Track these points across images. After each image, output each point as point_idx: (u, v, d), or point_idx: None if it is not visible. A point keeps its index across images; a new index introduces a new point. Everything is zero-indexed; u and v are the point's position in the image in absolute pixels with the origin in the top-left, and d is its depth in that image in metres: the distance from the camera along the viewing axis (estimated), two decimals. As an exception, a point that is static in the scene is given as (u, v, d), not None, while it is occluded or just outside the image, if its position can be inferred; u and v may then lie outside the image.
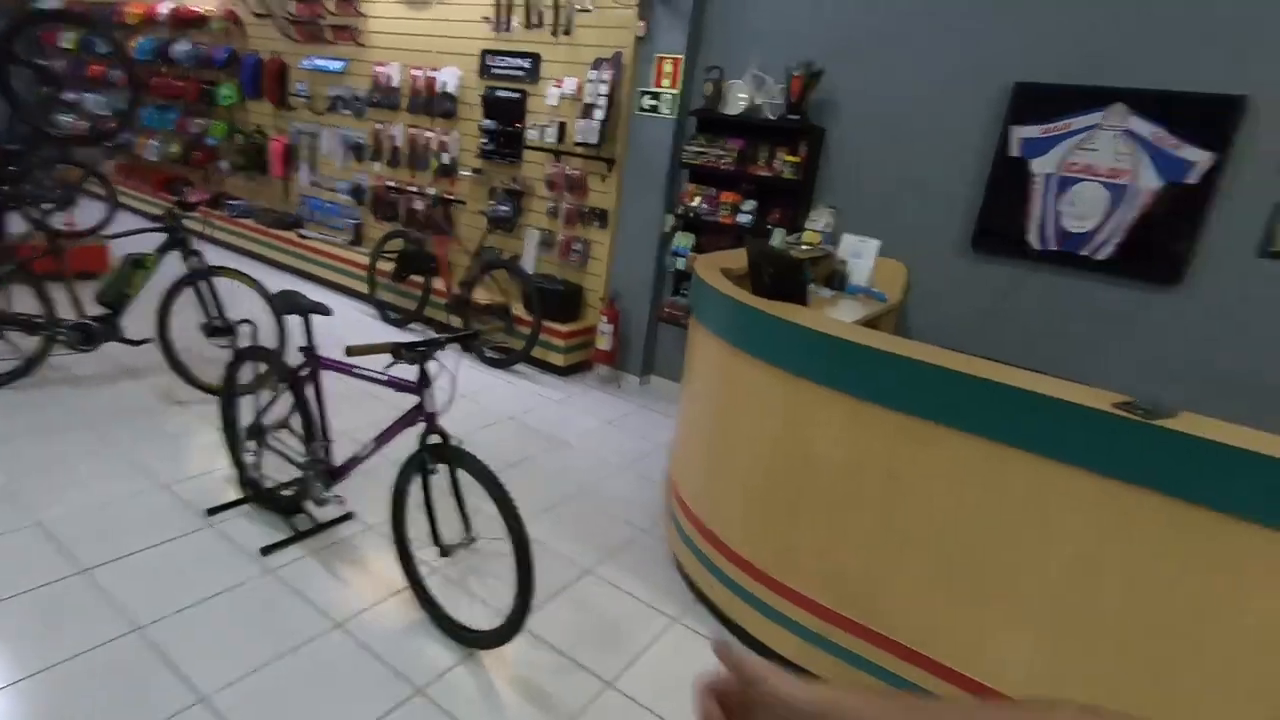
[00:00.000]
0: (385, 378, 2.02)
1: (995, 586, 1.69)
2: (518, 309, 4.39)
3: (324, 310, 2.19)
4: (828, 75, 3.42)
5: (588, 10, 4.02)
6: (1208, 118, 2.72)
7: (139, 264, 3.22)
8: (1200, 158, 2.75)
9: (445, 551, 2.05)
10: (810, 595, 1.99)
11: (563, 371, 4.38)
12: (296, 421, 2.38)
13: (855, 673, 1.92)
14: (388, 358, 1.90)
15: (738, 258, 2.91)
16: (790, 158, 3.52)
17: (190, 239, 3.28)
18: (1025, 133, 3.07)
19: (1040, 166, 3.06)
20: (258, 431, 2.44)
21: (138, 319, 3.32)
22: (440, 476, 2.00)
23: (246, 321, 2.44)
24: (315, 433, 2.29)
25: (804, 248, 3.42)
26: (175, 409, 3.23)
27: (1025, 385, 1.58)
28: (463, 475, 1.96)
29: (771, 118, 3.57)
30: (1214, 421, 1.48)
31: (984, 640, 1.73)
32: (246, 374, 2.50)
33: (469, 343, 1.96)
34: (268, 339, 3.45)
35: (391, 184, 5.26)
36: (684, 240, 3.96)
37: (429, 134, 4.96)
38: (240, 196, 6.45)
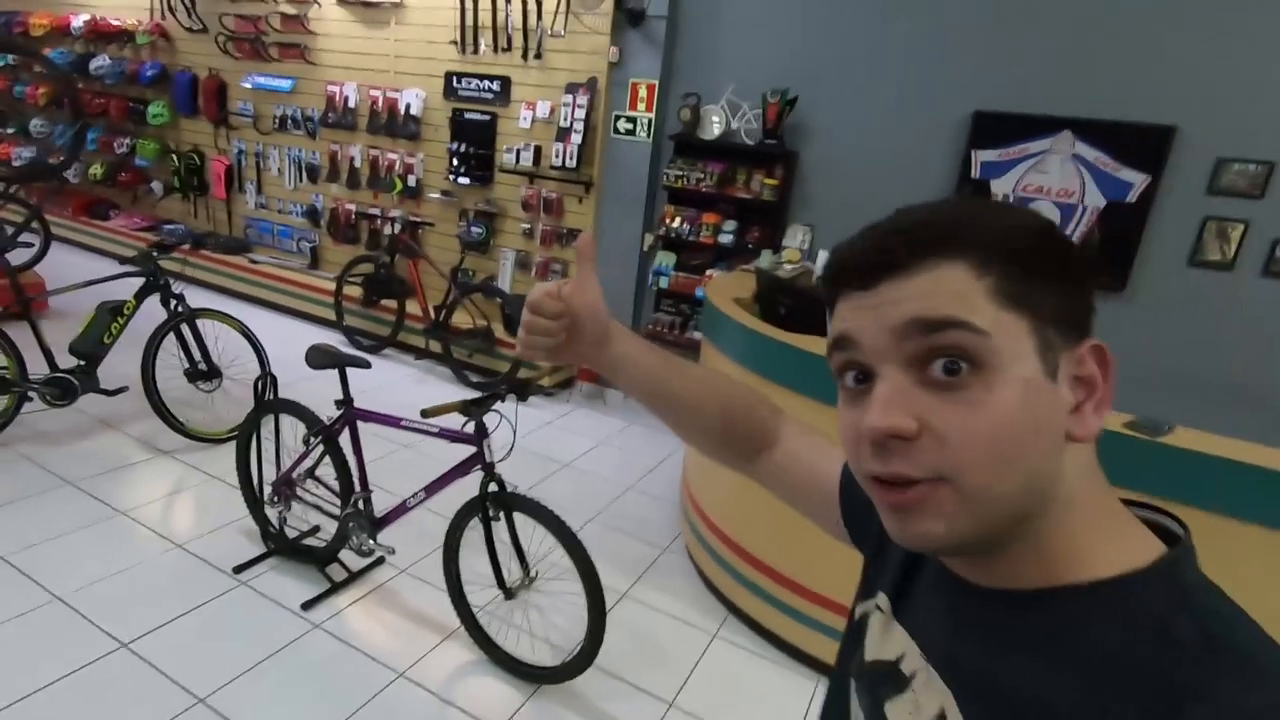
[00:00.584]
0: (436, 430, 2.06)
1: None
2: (498, 331, 4.41)
3: (363, 364, 2.20)
4: (800, 100, 3.62)
5: (560, 35, 4.06)
6: (1144, 144, 3.07)
7: (116, 311, 3.07)
8: (1138, 179, 3.10)
9: (510, 594, 2.11)
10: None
11: (548, 392, 4.44)
12: (326, 472, 2.37)
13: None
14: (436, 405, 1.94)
15: (740, 282, 3.07)
16: (769, 180, 3.70)
17: (170, 282, 3.15)
18: (985, 156, 3.36)
19: (999, 187, 3.35)
20: (286, 485, 2.41)
21: (105, 365, 3.17)
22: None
23: (270, 375, 2.40)
24: (353, 484, 2.30)
25: (788, 266, 3.61)
26: (165, 460, 3.11)
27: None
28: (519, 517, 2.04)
29: (749, 142, 3.74)
30: (1201, 434, 1.74)
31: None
32: (268, 427, 2.46)
33: (523, 390, 2.02)
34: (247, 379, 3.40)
35: (351, 206, 5.14)
36: (665, 259, 4.09)
37: (391, 155, 4.88)
38: (176, 220, 6.13)
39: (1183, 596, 0.42)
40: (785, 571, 2.29)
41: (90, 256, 6.10)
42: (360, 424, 2.28)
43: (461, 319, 4.46)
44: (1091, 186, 3.19)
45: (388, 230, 4.90)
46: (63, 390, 3.02)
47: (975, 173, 3.38)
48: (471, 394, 2.01)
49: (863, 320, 0.46)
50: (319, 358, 2.17)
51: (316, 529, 2.65)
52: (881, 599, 0.59)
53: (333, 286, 4.96)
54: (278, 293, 5.38)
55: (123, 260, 3.10)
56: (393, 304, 4.66)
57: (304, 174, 5.34)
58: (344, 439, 2.30)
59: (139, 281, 3.11)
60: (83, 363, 3.07)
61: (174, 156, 5.84)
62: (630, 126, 4.06)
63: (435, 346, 4.52)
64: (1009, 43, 3.23)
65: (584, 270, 0.68)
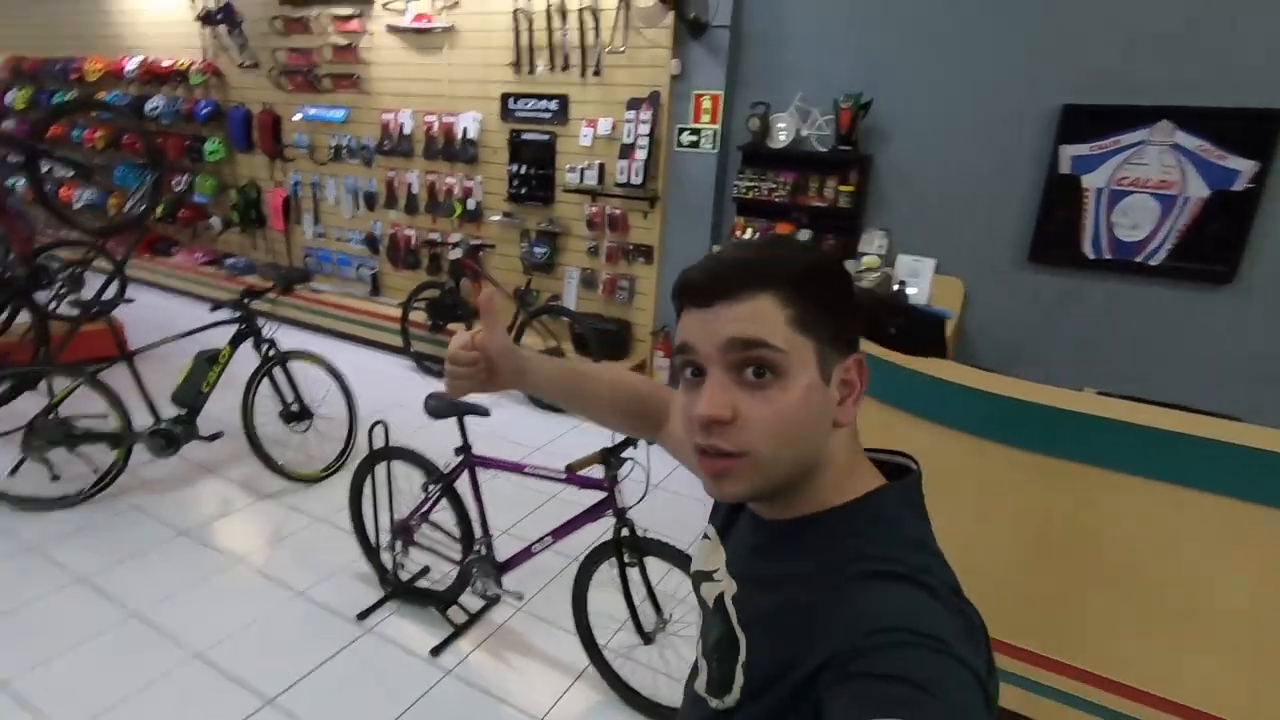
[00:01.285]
0: (564, 477, 2.04)
1: (1186, 616, 1.83)
2: (569, 351, 4.40)
3: (483, 412, 2.19)
4: (874, 102, 3.53)
5: (619, 51, 4.02)
6: (1251, 130, 2.93)
7: (212, 360, 3.13)
8: (1245, 166, 2.96)
9: (649, 639, 2.09)
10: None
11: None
12: (442, 516, 2.38)
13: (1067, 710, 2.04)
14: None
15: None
16: (845, 187, 3.62)
17: (262, 328, 3.19)
18: (1074, 151, 3.24)
19: (1091, 181, 3.23)
20: (404, 530, 2.42)
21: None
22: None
23: (381, 423, 2.41)
24: (474, 530, 2.30)
25: (869, 274, 3.53)
26: (268, 504, 3.15)
27: (1214, 434, 1.71)
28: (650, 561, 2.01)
29: (821, 149, 3.67)
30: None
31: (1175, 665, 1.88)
32: (380, 474, 2.47)
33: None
34: (338, 419, 3.43)
35: (410, 231, 5.17)
36: (737, 271, 4.03)
37: (449, 179, 4.89)
38: (236, 253, 6.24)
39: (865, 510, 0.64)
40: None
41: (160, 294, 6.25)
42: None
43: (531, 340, 4.46)
44: (1193, 176, 3.06)
45: (449, 255, 4.92)
46: (167, 440, 3.08)
47: (1064, 169, 3.26)
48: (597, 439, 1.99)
49: (700, 333, 0.62)
50: (440, 407, 2.17)
51: (426, 570, 2.66)
52: (710, 530, 0.82)
53: (396, 312, 5.01)
54: (341, 320, 5.45)
55: (213, 306, 3.14)
56: (459, 328, 4.68)
57: (361, 202, 5.38)
58: (462, 484, 2.30)
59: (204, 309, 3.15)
60: (184, 412, 3.13)
61: (232, 191, 5.94)
62: (694, 139, 4.00)
63: (507, 369, 4.52)
64: (1098, 32, 3.10)
65: (489, 323, 0.85)
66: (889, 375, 2.20)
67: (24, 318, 3.73)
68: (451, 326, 4.75)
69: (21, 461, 3.05)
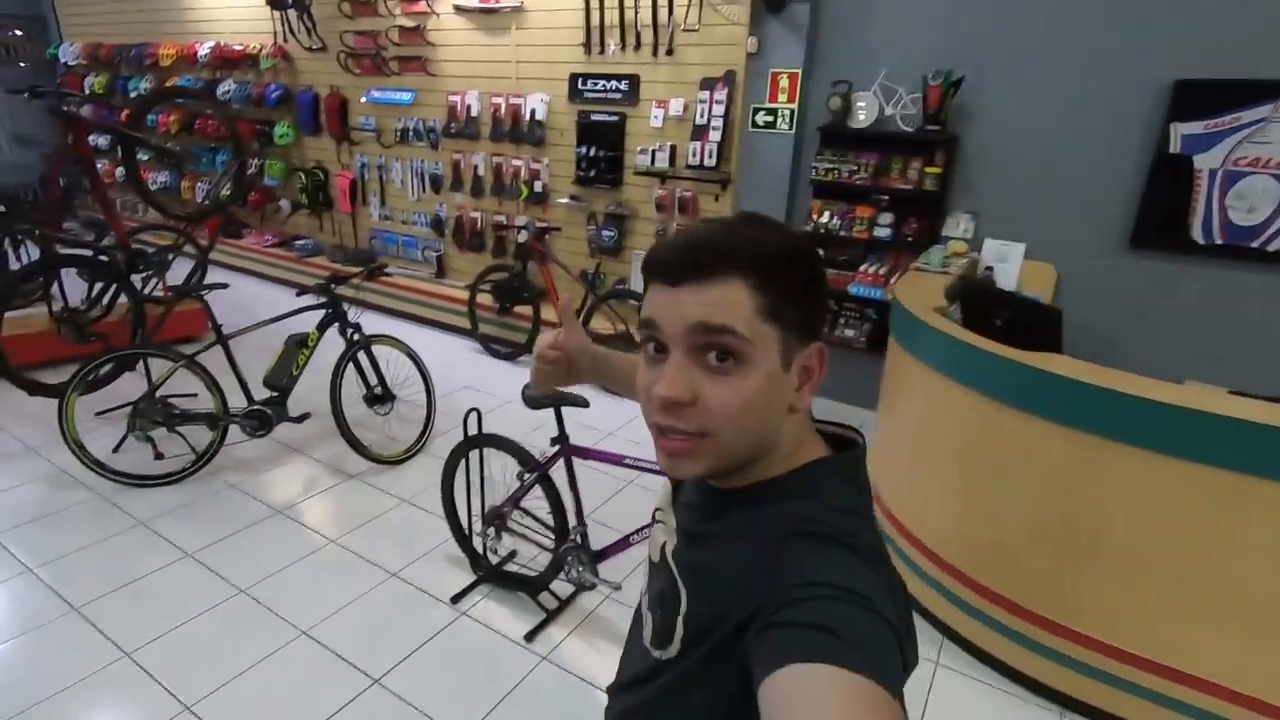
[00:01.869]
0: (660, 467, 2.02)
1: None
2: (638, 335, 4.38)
3: (581, 403, 2.19)
4: (965, 80, 3.37)
5: (694, 29, 3.93)
6: (1391, 105, 2.71)
7: (302, 344, 3.20)
8: (1382, 145, 2.74)
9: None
10: (1091, 633, 2.04)
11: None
12: (535, 504, 2.40)
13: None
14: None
15: (918, 283, 2.92)
16: (930, 169, 3.48)
17: (347, 311, 3.25)
18: (1187, 129, 3.04)
19: (1205, 162, 3.04)
20: (497, 517, 2.45)
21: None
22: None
23: (475, 410, 2.43)
24: (568, 519, 2.31)
25: (956, 260, 3.41)
26: (354, 484, 3.23)
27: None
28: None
29: (907, 129, 3.53)
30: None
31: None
32: (474, 463, 2.50)
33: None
34: (416, 402, 3.49)
35: (476, 214, 5.20)
36: (812, 256, 3.93)
37: (516, 162, 4.88)
38: (304, 235, 6.37)
39: (802, 479, 0.66)
40: (1016, 598, 2.17)
41: (232, 276, 6.43)
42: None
43: (599, 324, 4.45)
44: (1322, 155, 2.85)
45: (514, 237, 4.93)
46: (261, 422, 3.17)
47: (1174, 148, 3.07)
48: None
49: (666, 311, 0.62)
50: (537, 397, 2.17)
51: (514, 553, 2.70)
52: (665, 479, 0.84)
53: (462, 295, 5.06)
54: (408, 302, 5.53)
55: (299, 291, 3.21)
56: (527, 311, 4.70)
57: (427, 184, 5.42)
58: (556, 472, 2.31)
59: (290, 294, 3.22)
60: (275, 394, 3.21)
61: (300, 174, 6.05)
62: (770, 119, 3.90)
63: (574, 353, 4.53)
64: (1215, 2, 2.89)
65: (568, 324, 0.93)
66: (998, 369, 2.12)
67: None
68: (518, 309, 4.77)
69: (124, 439, 3.19)
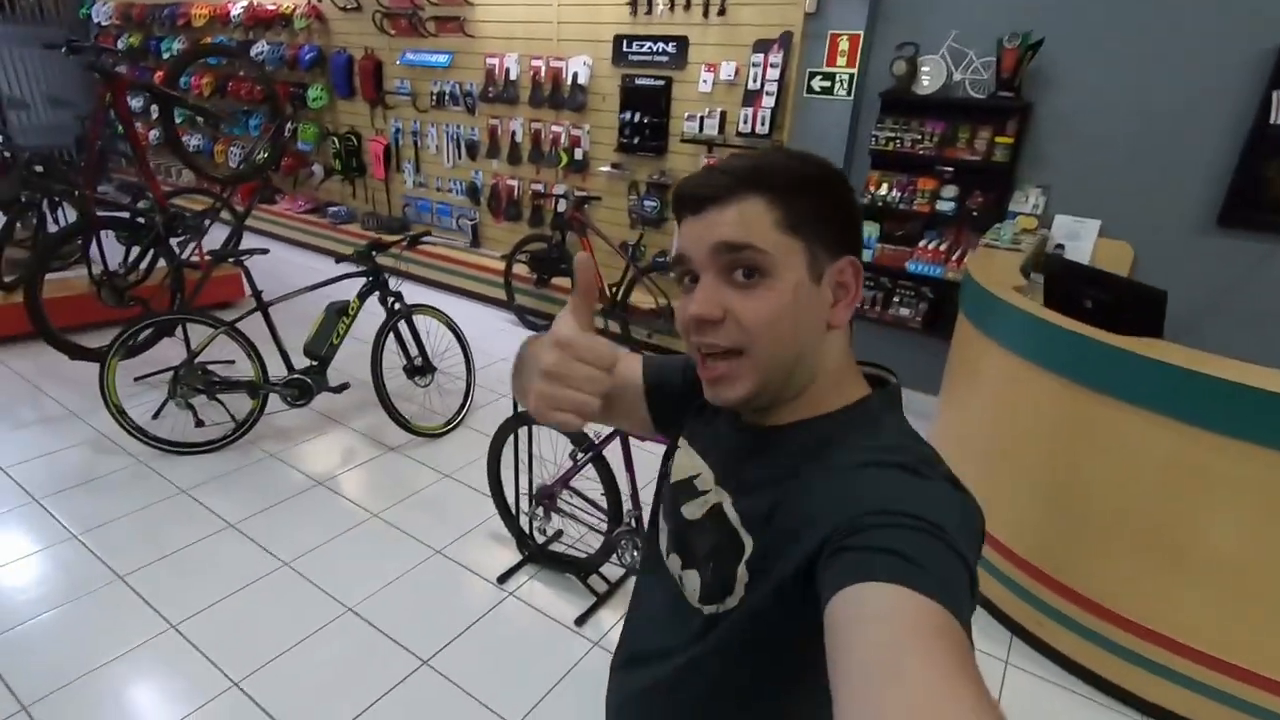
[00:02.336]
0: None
1: None
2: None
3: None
4: (1044, 43, 3.14)
5: (749, -13, 3.72)
6: None
7: (343, 312, 3.12)
8: None
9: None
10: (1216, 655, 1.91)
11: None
12: (586, 484, 2.30)
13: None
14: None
15: (990, 262, 2.75)
16: (1001, 139, 3.27)
17: (388, 280, 3.16)
18: (1291, 97, 2.80)
19: (1309, 134, 2.80)
20: (547, 497, 2.37)
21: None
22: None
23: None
24: (623, 501, 2.21)
25: (1030, 236, 3.21)
26: (394, 457, 3.17)
27: None
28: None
29: (977, 96, 3.32)
30: None
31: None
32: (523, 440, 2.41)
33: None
34: (456, 373, 3.41)
35: (513, 181, 5.06)
36: (867, 230, 3.75)
37: (555, 128, 4.72)
38: (337, 202, 6.29)
39: (861, 412, 0.68)
40: (1101, 600, 2.04)
41: (265, 241, 6.38)
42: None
43: (640, 298, 4.32)
44: None
45: (552, 206, 4.80)
46: (301, 391, 3.11)
47: (1276, 118, 2.84)
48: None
49: (693, 240, 0.64)
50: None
51: (560, 533, 2.61)
52: (684, 440, 0.81)
53: (498, 265, 4.95)
54: (442, 271, 5.44)
55: (339, 259, 3.11)
56: (565, 283, 4.58)
57: (463, 151, 5.29)
58: (611, 452, 2.21)
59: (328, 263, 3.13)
60: (315, 363, 3.15)
61: (333, 139, 5.94)
62: (827, 84, 3.69)
63: (614, 327, 4.42)
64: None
65: (584, 319, 0.68)
66: (1094, 354, 1.96)
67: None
68: (556, 281, 4.66)
69: (164, 405, 3.15)
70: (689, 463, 0.78)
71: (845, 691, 0.43)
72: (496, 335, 4.65)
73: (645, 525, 2.22)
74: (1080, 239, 3.29)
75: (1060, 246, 3.29)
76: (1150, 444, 1.88)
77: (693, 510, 0.75)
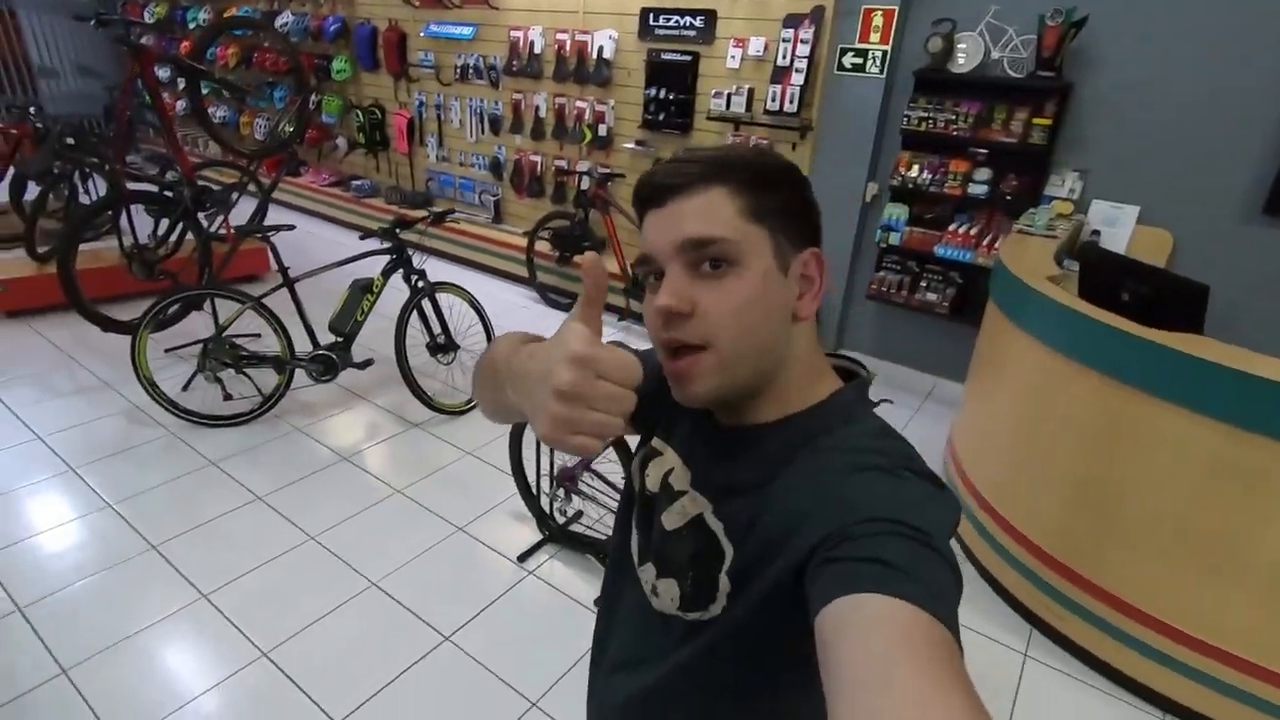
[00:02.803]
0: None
1: None
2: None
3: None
4: (1090, 20, 3.02)
5: (781, -41, 3.62)
6: None
7: (367, 289, 3.13)
8: None
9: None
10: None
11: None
12: (606, 466, 2.31)
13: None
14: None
15: (1024, 248, 2.69)
16: (1039, 120, 3.17)
17: (412, 257, 3.16)
18: (1350, 81, 2.68)
19: (1367, 119, 2.68)
20: (568, 479, 2.38)
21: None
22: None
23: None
24: (644, 484, 2.22)
25: (1065, 222, 3.13)
26: (417, 433, 3.21)
27: None
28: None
29: (1015, 75, 3.21)
30: None
31: None
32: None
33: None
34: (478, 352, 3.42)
35: (536, 157, 5.02)
36: (896, 212, 3.68)
37: (580, 103, 4.67)
38: (360, 175, 6.30)
39: (835, 408, 0.67)
40: (1128, 598, 2.02)
41: (289, 215, 6.42)
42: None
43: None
44: None
45: (575, 183, 4.76)
46: (326, 366, 3.15)
47: (1333, 102, 2.72)
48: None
49: (658, 233, 0.64)
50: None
51: (580, 514, 2.63)
52: (657, 442, 0.79)
53: (520, 241, 4.94)
54: (463, 247, 5.44)
55: (363, 235, 3.12)
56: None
57: (486, 125, 5.25)
58: (632, 438, 2.21)
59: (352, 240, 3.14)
60: (340, 339, 3.17)
61: (357, 112, 5.92)
62: (859, 61, 3.60)
63: (636, 306, 4.40)
64: None
65: (594, 319, 0.60)
66: (1130, 349, 1.92)
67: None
68: (578, 259, 4.63)
69: (192, 378, 3.20)
70: (664, 463, 0.77)
71: (838, 703, 0.44)
72: (518, 312, 4.66)
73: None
74: (1118, 225, 3.20)
75: (1096, 233, 3.21)
76: (1189, 443, 1.83)
77: (671, 520, 0.73)
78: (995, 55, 3.27)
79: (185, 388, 3.23)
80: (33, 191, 4.37)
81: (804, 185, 0.67)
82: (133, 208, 3.69)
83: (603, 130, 4.60)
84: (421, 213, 3.23)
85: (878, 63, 3.56)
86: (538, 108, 4.88)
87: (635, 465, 0.82)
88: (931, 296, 3.65)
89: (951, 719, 0.39)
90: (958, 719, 0.39)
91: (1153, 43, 2.99)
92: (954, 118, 3.35)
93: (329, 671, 1.97)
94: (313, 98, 5.85)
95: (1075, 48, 3.12)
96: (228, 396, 3.09)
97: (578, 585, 2.36)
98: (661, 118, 4.28)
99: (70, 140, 3.98)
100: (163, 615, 2.11)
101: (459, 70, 5.20)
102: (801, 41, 3.65)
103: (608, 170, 4.61)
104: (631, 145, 4.48)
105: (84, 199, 4.35)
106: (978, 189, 3.39)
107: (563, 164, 4.90)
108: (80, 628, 2.04)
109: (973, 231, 3.45)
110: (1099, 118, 3.19)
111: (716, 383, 0.63)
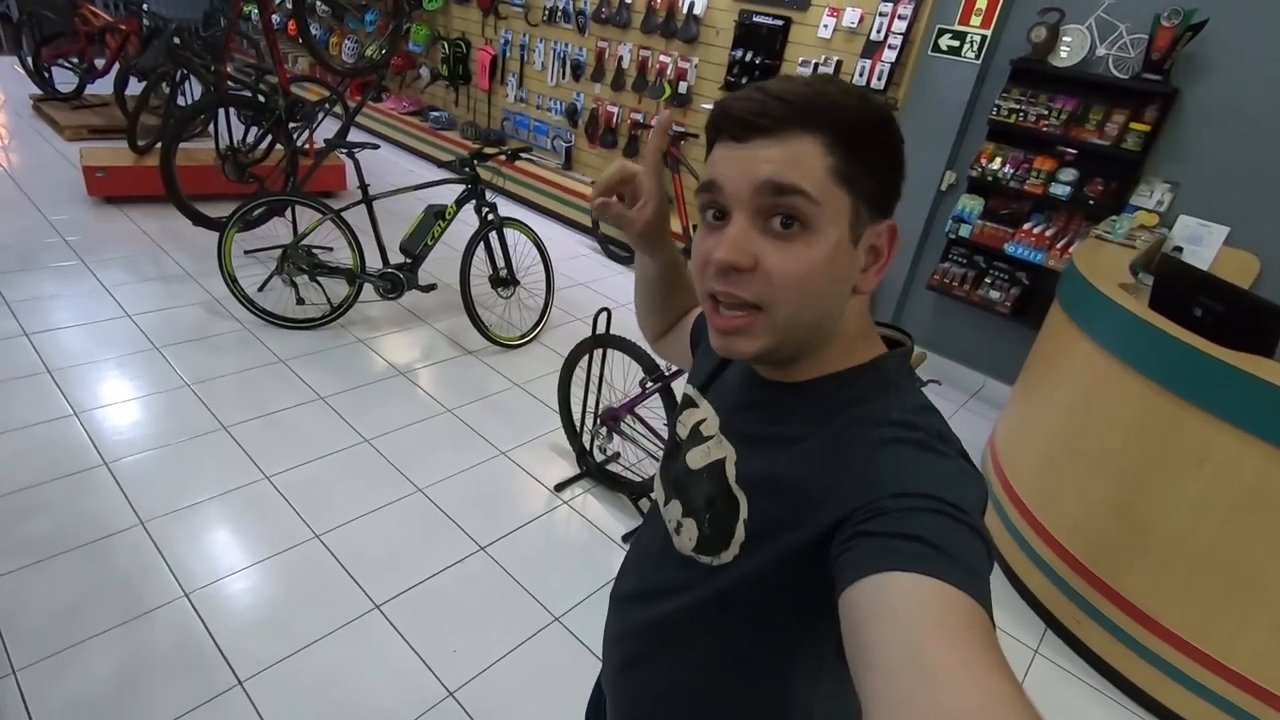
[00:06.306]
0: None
1: None
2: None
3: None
4: (1209, 24, 2.89)
5: (891, -71, 3.51)
6: None
7: (440, 215, 3.24)
8: None
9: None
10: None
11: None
12: (647, 411, 2.39)
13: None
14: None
15: (1099, 253, 2.63)
16: (1137, 124, 3.06)
17: (484, 190, 3.25)
18: None
19: None
20: (612, 419, 2.47)
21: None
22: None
23: (606, 309, 2.40)
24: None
25: (1144, 235, 3.04)
26: (471, 360, 3.34)
27: None
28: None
29: (1119, 74, 3.09)
30: None
31: None
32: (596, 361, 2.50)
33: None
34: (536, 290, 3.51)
35: (613, 108, 5.04)
36: (970, 204, 3.61)
37: (664, 57, 4.65)
38: (440, 107, 6.40)
39: (876, 374, 0.64)
40: (1149, 610, 2.03)
41: (367, 138, 6.58)
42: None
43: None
44: None
45: (649, 138, 4.76)
46: (393, 285, 3.29)
47: None
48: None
49: (731, 171, 0.58)
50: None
51: (617, 455, 2.73)
52: (691, 390, 0.81)
53: (587, 190, 4.99)
54: (531, 189, 5.51)
55: (440, 163, 3.21)
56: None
57: (568, 70, 5.27)
58: (679, 386, 2.28)
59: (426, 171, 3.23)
60: (409, 260, 3.30)
61: (443, 44, 5.99)
62: (955, 44, 3.50)
63: (692, 268, 4.43)
64: None
65: (652, 164, 0.80)
66: (1197, 365, 1.89)
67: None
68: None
69: (269, 279, 3.38)
70: (697, 412, 0.77)
71: (872, 686, 0.43)
72: (577, 260, 4.74)
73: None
74: (1202, 244, 3.09)
75: (1179, 249, 3.11)
76: (1237, 464, 1.82)
77: (696, 459, 0.73)
78: (1101, 52, 3.15)
79: (261, 288, 3.41)
80: (134, 87, 4.59)
81: (900, 145, 0.60)
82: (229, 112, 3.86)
83: (683, 88, 4.58)
84: (497, 149, 3.30)
85: (975, 47, 3.46)
86: (622, 58, 4.88)
87: (676, 412, 0.84)
88: (994, 294, 3.60)
89: (989, 705, 0.39)
90: (996, 704, 0.39)
91: (1273, 61, 2.84)
92: (1046, 113, 3.25)
93: (373, 561, 2.13)
94: (406, 23, 5.94)
95: (1188, 52, 2.98)
96: (300, 301, 3.26)
97: (609, 520, 2.48)
98: (744, 81, 4.23)
99: (177, 41, 4.16)
100: (230, 488, 2.29)
101: (548, 12, 5.21)
102: (899, 18, 3.57)
103: (682, 129, 4.60)
104: (709, 106, 4.45)
105: (180, 100, 4.55)
106: (1060, 189, 3.30)
107: (639, 118, 4.90)
108: (158, 488, 2.24)
109: (1048, 233, 3.37)
110: (1201, 129, 3.06)
111: (765, 344, 0.60)
